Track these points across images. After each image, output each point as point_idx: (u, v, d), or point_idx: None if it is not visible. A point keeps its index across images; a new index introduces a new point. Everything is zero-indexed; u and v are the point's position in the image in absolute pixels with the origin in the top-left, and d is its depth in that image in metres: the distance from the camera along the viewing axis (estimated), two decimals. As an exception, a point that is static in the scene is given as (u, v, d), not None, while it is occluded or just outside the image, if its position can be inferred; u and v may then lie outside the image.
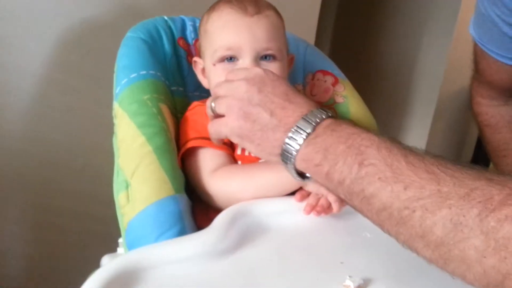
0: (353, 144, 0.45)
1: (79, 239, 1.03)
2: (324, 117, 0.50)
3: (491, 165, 2.06)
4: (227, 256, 0.48)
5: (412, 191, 0.40)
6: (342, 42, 2.19)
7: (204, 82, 0.70)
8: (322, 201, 0.57)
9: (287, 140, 0.49)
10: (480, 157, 2.13)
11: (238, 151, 0.64)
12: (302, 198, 0.59)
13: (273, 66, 0.63)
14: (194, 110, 0.67)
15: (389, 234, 0.43)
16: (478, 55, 0.85)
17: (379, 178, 0.42)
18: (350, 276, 0.46)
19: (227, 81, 0.57)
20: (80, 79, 0.93)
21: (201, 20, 0.69)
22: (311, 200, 0.58)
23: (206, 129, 0.62)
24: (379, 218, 0.43)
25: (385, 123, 2.05)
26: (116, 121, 0.62)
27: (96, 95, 0.94)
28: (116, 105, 0.62)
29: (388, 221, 0.42)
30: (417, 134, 2.00)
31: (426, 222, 0.38)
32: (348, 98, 0.79)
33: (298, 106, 0.52)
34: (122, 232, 0.55)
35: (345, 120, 0.50)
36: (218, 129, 0.56)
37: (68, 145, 0.96)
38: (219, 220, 0.52)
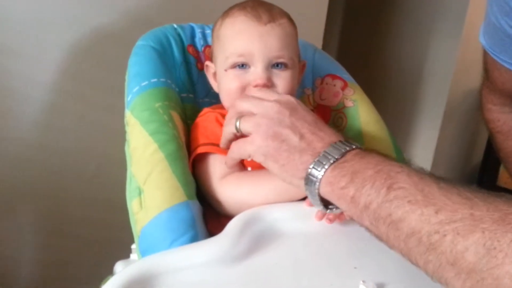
0: (383, 169, 0.44)
1: (92, 246, 1.04)
2: (354, 147, 0.49)
3: (501, 168, 2.04)
4: (241, 262, 0.49)
5: (444, 214, 0.38)
6: (350, 46, 2.19)
7: (215, 86, 0.71)
8: None
9: (313, 164, 0.48)
10: (490, 159, 2.11)
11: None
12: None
13: (284, 75, 0.64)
14: (205, 117, 0.67)
15: (417, 264, 0.40)
16: (489, 64, 0.84)
17: (409, 201, 0.40)
18: (363, 281, 0.46)
19: (254, 97, 0.57)
20: (91, 87, 0.94)
21: (214, 25, 0.70)
22: None
23: (216, 135, 0.63)
24: (407, 246, 0.40)
25: (395, 125, 2.04)
26: (128, 129, 0.63)
27: (107, 103, 0.95)
28: (128, 113, 0.63)
29: (416, 249, 0.39)
30: (427, 136, 1.99)
31: (457, 247, 0.36)
32: (358, 102, 0.79)
33: (328, 135, 0.51)
34: (135, 239, 0.56)
35: (374, 150, 0.49)
36: (242, 147, 0.55)
37: (79, 153, 0.97)
38: (232, 226, 0.52)
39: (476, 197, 0.38)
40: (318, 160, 0.48)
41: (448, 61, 1.86)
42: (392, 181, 0.42)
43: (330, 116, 0.81)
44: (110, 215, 0.98)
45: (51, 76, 0.89)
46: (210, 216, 0.61)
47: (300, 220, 0.56)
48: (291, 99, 0.56)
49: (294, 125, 0.52)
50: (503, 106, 0.88)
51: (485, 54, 0.84)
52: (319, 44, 1.34)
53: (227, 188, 0.60)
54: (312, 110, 0.77)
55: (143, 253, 0.53)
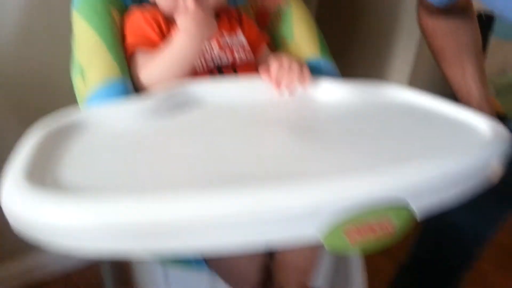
0: None
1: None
2: None
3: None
4: (165, 119, 0.57)
5: None
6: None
7: None
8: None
9: None
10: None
11: None
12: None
13: None
14: (133, 16, 0.73)
15: None
16: None
17: None
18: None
19: None
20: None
21: None
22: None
23: (142, 31, 0.70)
24: None
25: (371, 51, 2.07)
26: (74, 26, 0.72)
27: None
28: (74, 12, 0.72)
29: None
30: (402, 61, 2.01)
31: None
32: (292, 5, 0.86)
33: None
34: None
35: None
36: None
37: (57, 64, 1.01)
38: (159, 89, 0.62)
39: None
40: None
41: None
42: None
43: (269, 19, 0.89)
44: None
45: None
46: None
47: (224, 93, 0.65)
48: None
49: None
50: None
51: None
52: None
53: (143, 74, 0.67)
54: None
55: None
